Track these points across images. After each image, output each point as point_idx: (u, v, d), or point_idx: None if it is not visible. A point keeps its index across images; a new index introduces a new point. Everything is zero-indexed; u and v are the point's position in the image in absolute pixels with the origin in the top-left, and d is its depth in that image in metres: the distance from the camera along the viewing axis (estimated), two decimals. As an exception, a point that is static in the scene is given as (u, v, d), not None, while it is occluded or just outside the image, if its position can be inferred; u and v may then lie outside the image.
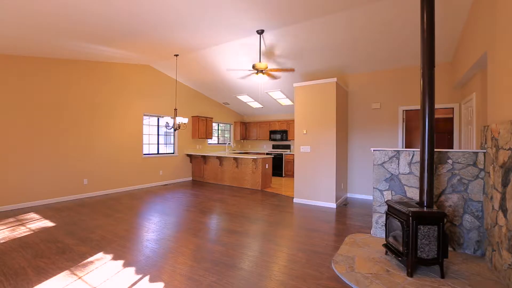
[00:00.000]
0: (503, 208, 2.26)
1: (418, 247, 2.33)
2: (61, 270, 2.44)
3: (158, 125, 7.35)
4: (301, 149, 5.22)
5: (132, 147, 6.45)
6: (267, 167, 6.85)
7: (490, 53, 2.67)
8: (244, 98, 8.55)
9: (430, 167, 2.56)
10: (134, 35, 4.23)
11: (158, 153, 7.28)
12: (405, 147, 5.78)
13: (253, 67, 4.53)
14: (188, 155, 8.11)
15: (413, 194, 3.15)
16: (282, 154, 9.01)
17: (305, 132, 5.17)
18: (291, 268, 2.50)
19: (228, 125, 10.31)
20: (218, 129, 9.81)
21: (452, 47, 4.32)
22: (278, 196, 5.79)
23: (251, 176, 6.79)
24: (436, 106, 4.81)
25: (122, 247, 2.96)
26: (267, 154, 9.34)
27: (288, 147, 9.58)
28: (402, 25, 3.81)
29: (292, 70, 4.82)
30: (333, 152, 4.85)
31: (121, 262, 2.61)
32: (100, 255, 2.76)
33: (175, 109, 5.99)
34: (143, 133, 6.77)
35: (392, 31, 4.00)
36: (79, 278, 2.31)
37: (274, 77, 5.86)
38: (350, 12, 3.58)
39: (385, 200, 3.24)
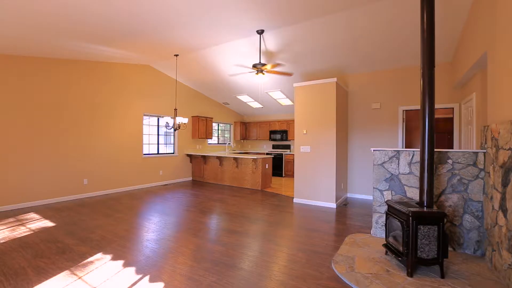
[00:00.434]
0: (503, 208, 2.26)
1: (418, 247, 2.33)
2: (61, 270, 2.44)
3: (158, 125, 7.34)
4: (301, 149, 5.22)
5: (132, 147, 6.44)
6: (267, 167, 6.85)
7: (490, 53, 2.67)
8: (244, 98, 8.55)
9: (430, 167, 2.56)
10: (134, 35, 4.23)
11: (158, 153, 7.28)
12: (405, 147, 5.78)
13: (254, 66, 4.54)
14: (188, 155, 8.11)
15: (413, 194, 3.15)
16: (282, 154, 9.01)
17: (305, 132, 5.17)
18: (291, 268, 2.50)
19: (228, 125, 10.30)
20: (218, 129, 9.81)
21: (452, 47, 4.32)
22: (278, 196, 5.79)
23: (251, 176, 6.79)
24: (436, 106, 4.81)
25: (122, 247, 2.96)
26: (267, 154, 9.34)
27: (288, 147, 9.58)
28: (402, 25, 3.81)
29: (290, 74, 4.82)
30: (333, 152, 4.85)
31: (121, 262, 2.61)
32: (100, 255, 2.76)
33: (175, 109, 5.99)
34: (143, 133, 6.77)
35: (392, 31, 4.00)
36: (79, 278, 2.31)
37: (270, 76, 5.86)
38: (350, 12, 3.58)
39: (385, 200, 3.24)
